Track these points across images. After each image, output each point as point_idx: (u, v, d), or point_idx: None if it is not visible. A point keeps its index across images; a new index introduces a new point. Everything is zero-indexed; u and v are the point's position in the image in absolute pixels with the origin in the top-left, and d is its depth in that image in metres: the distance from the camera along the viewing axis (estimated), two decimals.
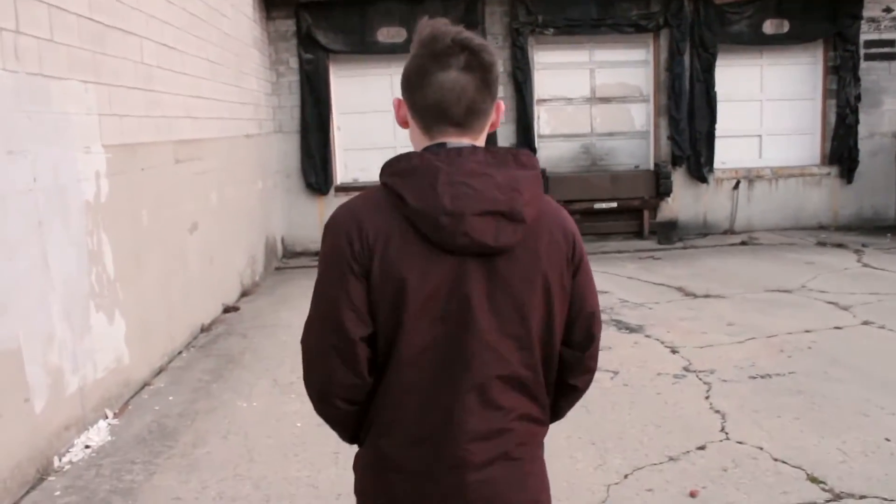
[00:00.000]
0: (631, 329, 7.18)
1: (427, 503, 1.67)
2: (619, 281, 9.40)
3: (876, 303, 7.84)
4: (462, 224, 1.54)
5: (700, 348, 6.48)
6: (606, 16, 12.12)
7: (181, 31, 7.42)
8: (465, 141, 1.65)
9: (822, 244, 11.64)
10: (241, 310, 8.55)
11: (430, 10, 11.77)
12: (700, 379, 5.74)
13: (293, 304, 8.63)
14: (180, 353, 6.95)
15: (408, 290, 1.58)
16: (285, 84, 12.02)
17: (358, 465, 1.80)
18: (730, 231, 12.80)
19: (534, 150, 12.27)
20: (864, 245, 11.36)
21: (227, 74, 9.14)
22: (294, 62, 11.95)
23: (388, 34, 11.89)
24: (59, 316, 4.83)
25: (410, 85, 1.64)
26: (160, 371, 6.41)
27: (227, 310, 8.46)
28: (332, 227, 1.65)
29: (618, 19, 12.16)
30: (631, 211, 12.56)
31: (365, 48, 11.91)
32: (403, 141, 13.27)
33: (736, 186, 12.81)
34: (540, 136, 12.55)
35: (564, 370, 1.80)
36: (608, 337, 6.93)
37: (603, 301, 8.28)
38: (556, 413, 1.90)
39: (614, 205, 12.38)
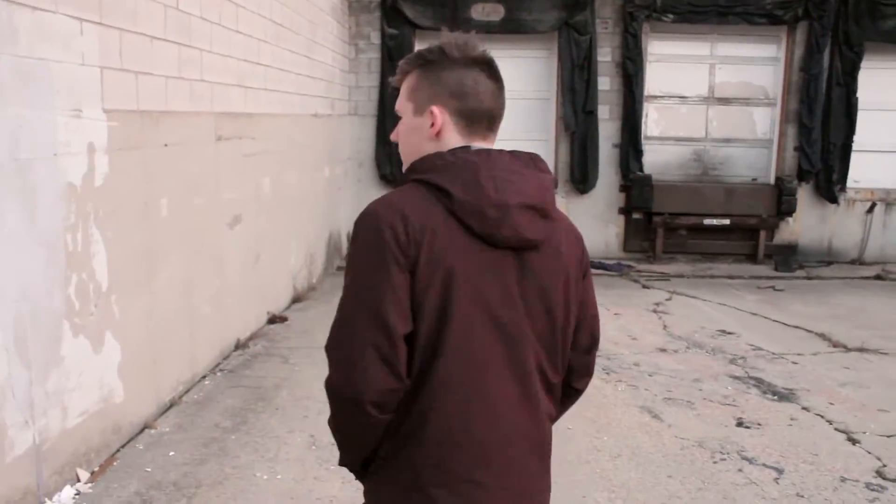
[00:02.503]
0: (779, 395, 5.37)
1: None
2: (740, 318, 7.58)
3: None
4: (508, 216, 1.56)
5: (887, 437, 4.67)
6: (736, 2, 10.21)
7: None
8: (488, 144, 1.69)
9: None
10: (290, 320, 6.99)
11: None
12: None
13: None
14: (203, 378, 5.41)
15: (457, 279, 1.54)
16: (364, 61, 10.42)
17: (383, 491, 1.66)
18: (858, 261, 10.78)
19: (639, 153, 10.46)
20: None
21: (297, 42, 7.58)
22: (376, 37, 10.33)
23: (484, 11, 10.20)
24: (1, 347, 3.29)
25: (462, 91, 1.64)
26: (170, 406, 4.87)
27: (272, 320, 6.91)
28: (370, 220, 1.57)
29: (749, 7, 10.23)
30: (745, 230, 10.65)
31: (456, 25, 10.04)
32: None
33: (870, 209, 10.78)
34: (646, 138, 10.71)
35: (570, 374, 1.80)
36: (751, 405, 5.16)
37: (730, 345, 6.49)
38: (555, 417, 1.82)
39: (727, 222, 10.49)
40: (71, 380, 3.79)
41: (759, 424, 4.79)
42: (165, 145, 4.76)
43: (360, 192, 10.46)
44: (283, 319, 6.99)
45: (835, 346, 6.69)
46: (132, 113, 4.35)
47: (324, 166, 8.95)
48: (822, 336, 6.97)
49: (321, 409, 4.81)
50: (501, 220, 1.54)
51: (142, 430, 4.50)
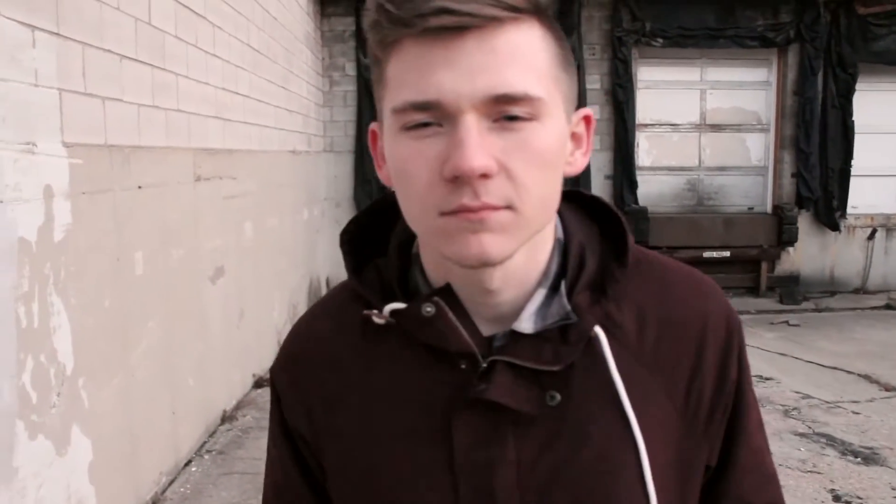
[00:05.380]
0: (863, 457, 4.56)
1: None
2: (771, 359, 6.80)
3: None
4: None
5: None
6: (726, 25, 9.58)
7: None
8: None
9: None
10: None
11: None
12: None
13: None
14: (188, 463, 4.43)
15: None
16: (339, 94, 9.55)
17: None
18: (862, 290, 10.15)
19: (634, 185, 9.73)
20: None
21: (274, 72, 6.71)
22: (351, 68, 9.47)
23: None
24: None
25: None
26: None
27: (259, 383, 5.95)
28: None
29: (740, 30, 9.61)
30: (746, 262, 9.96)
31: None
32: None
33: (871, 236, 10.19)
34: (639, 168, 9.99)
35: None
36: (837, 472, 4.35)
37: (776, 394, 5.70)
38: None
39: (727, 254, 9.76)
40: (28, 496, 2.83)
41: (859, 498, 3.97)
42: (139, 187, 3.84)
43: (338, 234, 9.50)
44: (270, 381, 6.03)
45: (887, 389, 5.93)
46: (99, 148, 3.43)
47: (302, 208, 8.05)
48: (868, 378, 6.22)
49: None
50: None
51: None
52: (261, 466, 4.30)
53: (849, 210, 10.08)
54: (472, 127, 0.72)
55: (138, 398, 3.82)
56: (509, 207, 0.74)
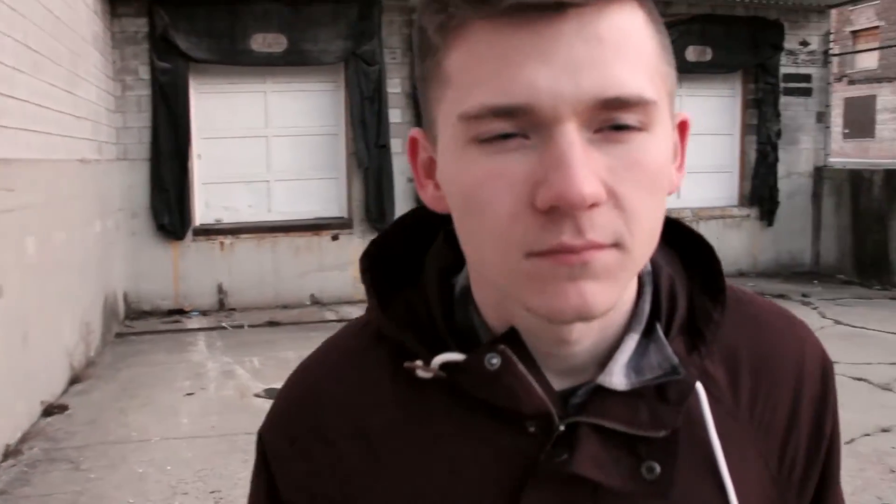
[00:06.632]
0: None
1: None
2: None
3: None
4: None
5: None
6: None
7: None
8: None
9: (760, 294, 9.78)
10: (71, 408, 5.57)
11: (318, 15, 9.21)
12: None
13: (145, 397, 5.82)
14: None
15: None
16: (133, 99, 8.99)
17: None
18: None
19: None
20: (804, 295, 9.65)
21: (58, 74, 6.21)
22: (145, 72, 8.95)
23: (266, 42, 9.16)
24: None
25: None
26: None
27: (48, 411, 5.47)
28: None
29: None
30: None
31: (235, 58, 9.09)
32: (279, 174, 10.61)
33: None
34: None
35: None
36: None
37: None
38: None
39: None
40: None
41: None
42: None
43: (135, 246, 9.00)
44: (62, 409, 5.55)
45: None
46: None
47: (95, 220, 7.51)
48: None
49: None
50: None
51: None
52: (52, 502, 3.95)
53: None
54: (576, 140, 0.55)
55: None
56: (616, 245, 0.57)
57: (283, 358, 6.65)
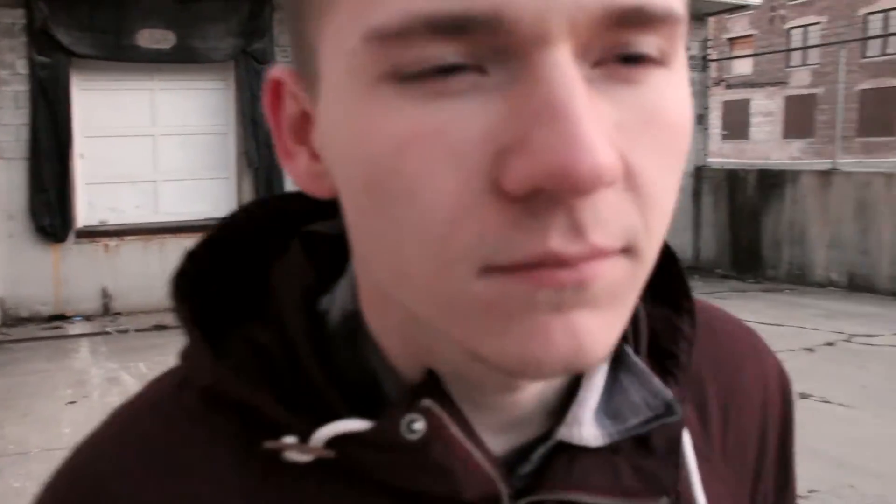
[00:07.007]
0: None
1: None
2: None
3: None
4: None
5: None
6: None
7: None
8: None
9: None
10: None
11: (208, 11, 9.02)
12: None
13: (24, 407, 5.57)
14: None
15: None
16: (9, 95, 8.54)
17: None
18: None
19: None
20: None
21: None
22: (23, 66, 8.51)
23: (153, 38, 8.87)
24: None
25: None
26: None
27: None
28: None
29: None
30: None
31: (120, 54, 8.76)
32: (167, 174, 10.32)
33: None
34: None
35: None
36: None
37: None
38: None
39: None
40: None
41: None
42: None
43: (12, 249, 8.58)
44: None
45: None
46: None
47: None
48: None
49: None
50: None
51: None
52: None
53: None
54: (575, 76, 0.33)
55: None
56: (627, 250, 0.36)
57: (171, 363, 6.46)
